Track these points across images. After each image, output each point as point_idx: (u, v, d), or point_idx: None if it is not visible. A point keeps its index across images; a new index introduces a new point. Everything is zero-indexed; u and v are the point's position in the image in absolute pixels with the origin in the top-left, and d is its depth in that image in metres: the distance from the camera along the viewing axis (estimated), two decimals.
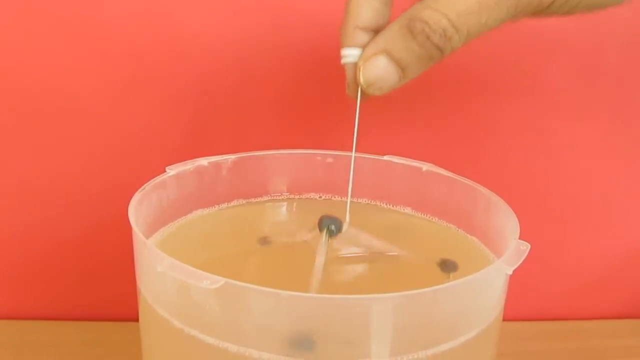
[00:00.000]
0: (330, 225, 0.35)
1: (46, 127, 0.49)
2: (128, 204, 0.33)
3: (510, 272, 0.29)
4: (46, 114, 0.49)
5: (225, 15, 0.47)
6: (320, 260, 0.33)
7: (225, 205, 0.41)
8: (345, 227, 0.35)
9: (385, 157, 0.41)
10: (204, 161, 0.40)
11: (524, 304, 0.56)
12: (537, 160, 0.53)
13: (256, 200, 0.42)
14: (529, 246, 0.31)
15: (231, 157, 0.41)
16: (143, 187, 0.35)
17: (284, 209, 0.42)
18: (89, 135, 0.49)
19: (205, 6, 0.47)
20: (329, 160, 0.42)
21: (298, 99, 0.50)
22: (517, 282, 0.33)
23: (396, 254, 0.37)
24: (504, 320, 0.33)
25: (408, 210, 0.42)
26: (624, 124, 0.53)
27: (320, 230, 0.35)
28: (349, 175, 0.36)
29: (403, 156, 0.41)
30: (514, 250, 0.30)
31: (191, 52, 0.48)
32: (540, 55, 0.50)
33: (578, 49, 0.51)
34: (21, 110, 0.49)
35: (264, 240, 0.38)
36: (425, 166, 0.41)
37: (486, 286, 0.30)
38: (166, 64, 0.48)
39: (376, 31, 0.33)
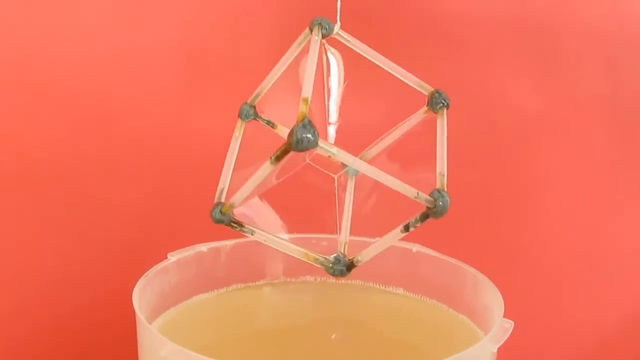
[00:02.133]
0: (322, 22, 0.33)
1: (48, 208, 0.50)
2: (126, 289, 0.35)
3: (495, 350, 0.31)
4: (48, 195, 0.50)
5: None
6: (313, 57, 0.31)
7: (224, 289, 0.42)
8: (336, 29, 0.34)
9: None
10: (203, 247, 0.42)
11: None
12: (525, 231, 0.54)
13: (254, 284, 0.44)
14: (513, 324, 0.32)
15: (229, 242, 0.43)
16: (146, 273, 0.37)
17: (280, 292, 0.44)
18: (91, 217, 0.51)
19: (207, 104, 0.50)
20: (324, 243, 0.43)
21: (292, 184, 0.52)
22: (512, 356, 0.34)
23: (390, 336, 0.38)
24: None
25: (400, 290, 0.43)
26: (611, 191, 0.54)
27: (312, 27, 0.33)
28: None
29: None
30: (499, 328, 0.32)
31: (191, 145, 0.50)
32: (524, 134, 0.53)
33: (562, 129, 0.53)
34: (23, 188, 0.50)
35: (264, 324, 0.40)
36: (416, 247, 0.43)
37: None
38: (165, 154, 0.50)
39: None
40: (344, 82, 0.36)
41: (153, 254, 0.39)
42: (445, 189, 0.30)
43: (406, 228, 0.31)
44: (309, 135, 0.27)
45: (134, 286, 0.36)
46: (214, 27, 0.50)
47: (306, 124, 0.27)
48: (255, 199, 0.35)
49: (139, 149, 0.50)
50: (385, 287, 0.43)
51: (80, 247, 0.51)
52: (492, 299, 0.36)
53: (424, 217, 0.30)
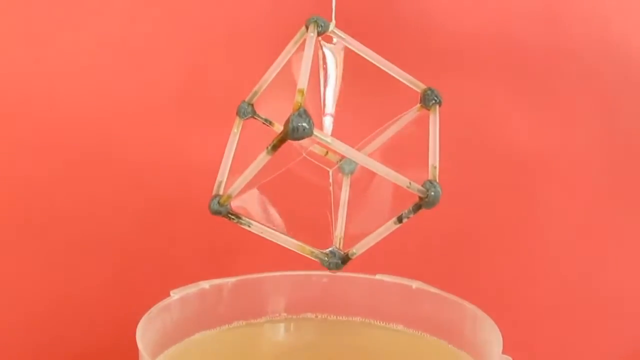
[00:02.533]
0: (318, 20, 0.34)
1: (50, 247, 0.51)
2: (130, 326, 0.35)
3: None
4: (50, 234, 0.51)
5: None
6: (308, 52, 0.32)
7: (225, 326, 0.43)
8: (331, 27, 0.34)
9: (377, 276, 0.44)
10: (205, 284, 0.42)
11: None
12: (524, 267, 0.55)
13: (255, 321, 0.44)
14: None
15: (231, 279, 0.43)
16: (149, 311, 0.37)
17: (282, 329, 0.44)
18: (92, 255, 0.52)
19: (205, 137, 0.51)
20: (324, 280, 0.44)
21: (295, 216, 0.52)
22: None
23: None
24: None
25: (400, 327, 0.43)
26: (610, 225, 0.55)
27: (307, 25, 0.34)
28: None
29: (393, 272, 0.43)
30: None
31: (191, 180, 0.51)
32: (523, 169, 0.53)
33: (560, 164, 0.53)
34: (24, 227, 0.51)
35: None
36: (415, 284, 0.43)
37: None
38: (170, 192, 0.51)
39: None
40: (341, 75, 0.36)
41: (156, 291, 0.40)
42: (437, 180, 0.31)
43: (399, 219, 0.32)
44: (304, 124, 0.28)
45: (137, 323, 0.36)
46: (209, 49, 0.51)
47: (302, 113, 0.28)
48: (253, 193, 0.35)
49: (138, 186, 0.51)
50: (385, 323, 0.44)
51: (83, 285, 0.52)
52: (492, 335, 0.36)
53: (417, 207, 0.31)
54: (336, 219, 0.37)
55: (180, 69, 0.51)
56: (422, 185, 0.31)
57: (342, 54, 0.36)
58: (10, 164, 0.50)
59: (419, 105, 0.36)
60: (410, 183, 0.31)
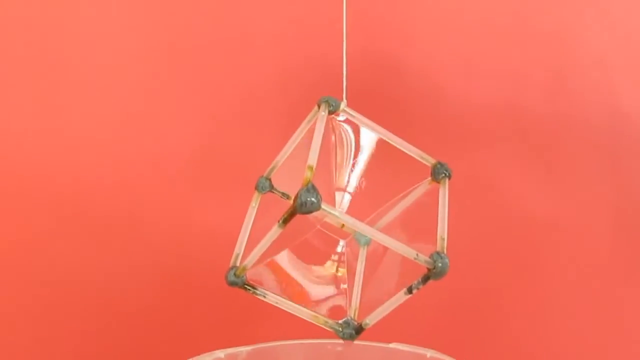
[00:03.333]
0: (329, 100, 0.35)
1: (68, 314, 0.53)
2: None
3: None
4: (67, 300, 0.52)
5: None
6: (319, 130, 0.33)
7: None
8: (342, 105, 0.36)
9: (392, 345, 0.44)
10: (220, 353, 0.43)
11: None
12: (542, 334, 0.55)
13: None
14: None
15: (246, 348, 0.43)
16: None
17: None
18: (107, 324, 0.52)
19: (219, 206, 0.52)
20: (339, 349, 0.44)
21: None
22: None
23: None
24: None
25: None
26: (620, 294, 0.55)
27: (319, 104, 0.35)
28: None
29: (407, 340, 0.43)
30: None
31: (206, 247, 0.52)
32: (539, 239, 0.54)
33: (570, 232, 0.54)
34: (44, 293, 0.52)
35: None
36: (430, 353, 0.43)
37: None
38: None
39: None
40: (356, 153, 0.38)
41: None
42: (445, 252, 0.32)
43: (409, 290, 0.32)
44: (312, 199, 0.29)
45: None
46: (222, 124, 0.53)
47: (310, 188, 0.30)
48: (269, 265, 0.36)
49: (155, 255, 0.53)
50: None
51: (98, 351, 0.53)
52: None
53: (426, 278, 0.32)
54: (351, 289, 0.37)
55: (195, 144, 0.53)
56: (429, 257, 0.32)
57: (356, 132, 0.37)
58: (29, 231, 0.52)
59: (429, 178, 0.37)
60: (417, 255, 0.31)
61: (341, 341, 0.44)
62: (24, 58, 0.51)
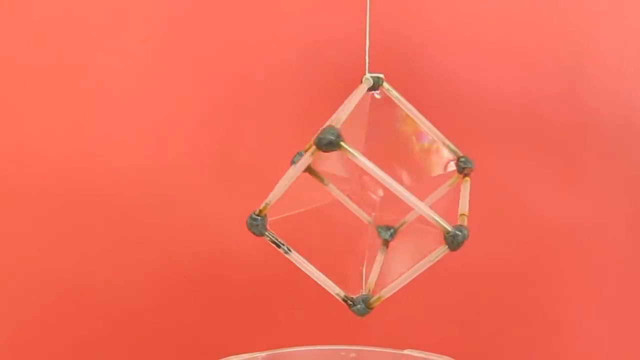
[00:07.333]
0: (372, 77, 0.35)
1: (84, 327, 0.52)
2: None
3: None
4: (85, 312, 0.53)
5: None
6: (354, 96, 0.33)
7: None
8: (385, 84, 0.36)
9: (405, 351, 0.43)
10: (235, 359, 0.44)
11: None
12: (557, 342, 0.54)
13: None
14: None
15: (261, 354, 0.43)
16: None
17: None
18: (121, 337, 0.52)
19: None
20: (352, 355, 0.43)
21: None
22: None
23: None
24: None
25: None
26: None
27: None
28: None
29: (421, 346, 0.43)
30: None
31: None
32: (552, 246, 0.54)
33: (585, 237, 0.54)
34: (63, 310, 0.53)
35: None
36: (443, 359, 0.43)
37: None
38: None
39: None
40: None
41: None
42: (466, 224, 0.31)
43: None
44: (332, 137, 0.30)
45: None
46: (241, 115, 0.54)
47: (332, 128, 0.30)
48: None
49: (168, 260, 0.53)
50: None
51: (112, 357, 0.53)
52: None
53: (444, 248, 0.31)
54: (368, 272, 0.37)
55: (214, 136, 0.54)
56: (452, 226, 0.31)
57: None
58: (44, 238, 0.53)
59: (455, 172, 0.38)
60: (438, 218, 0.31)
61: (355, 347, 0.47)
62: (39, 60, 0.53)
